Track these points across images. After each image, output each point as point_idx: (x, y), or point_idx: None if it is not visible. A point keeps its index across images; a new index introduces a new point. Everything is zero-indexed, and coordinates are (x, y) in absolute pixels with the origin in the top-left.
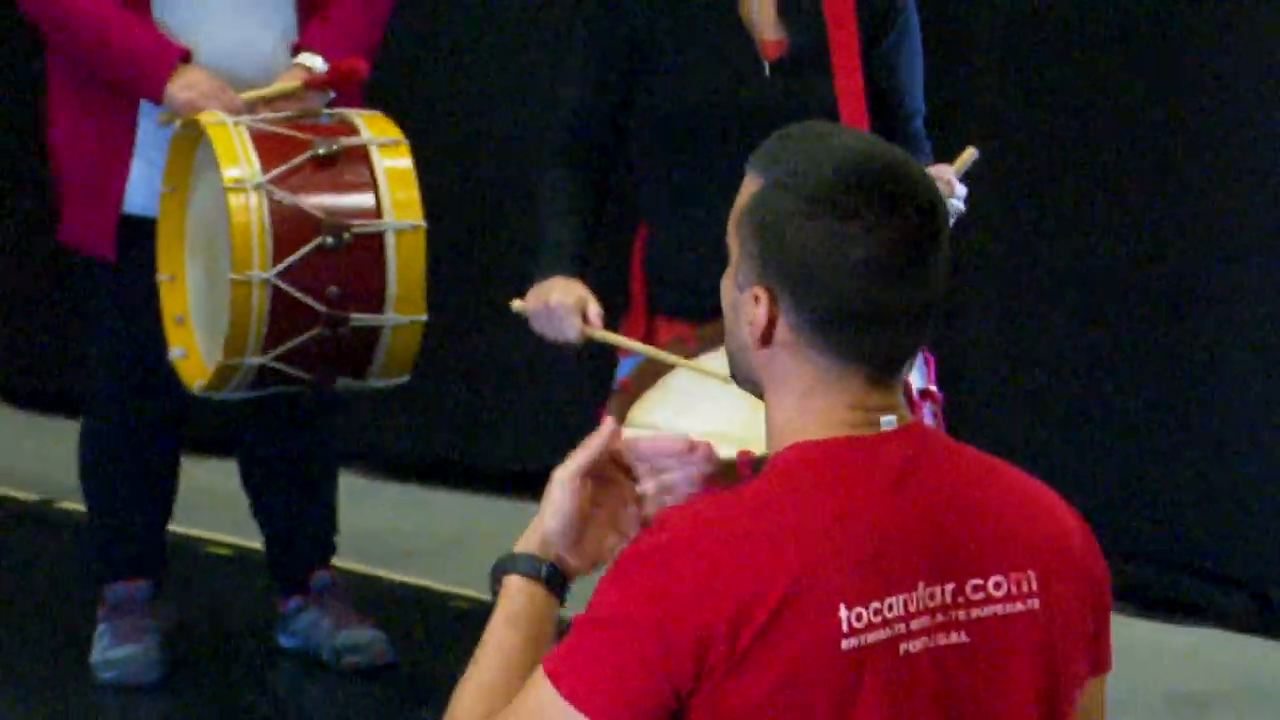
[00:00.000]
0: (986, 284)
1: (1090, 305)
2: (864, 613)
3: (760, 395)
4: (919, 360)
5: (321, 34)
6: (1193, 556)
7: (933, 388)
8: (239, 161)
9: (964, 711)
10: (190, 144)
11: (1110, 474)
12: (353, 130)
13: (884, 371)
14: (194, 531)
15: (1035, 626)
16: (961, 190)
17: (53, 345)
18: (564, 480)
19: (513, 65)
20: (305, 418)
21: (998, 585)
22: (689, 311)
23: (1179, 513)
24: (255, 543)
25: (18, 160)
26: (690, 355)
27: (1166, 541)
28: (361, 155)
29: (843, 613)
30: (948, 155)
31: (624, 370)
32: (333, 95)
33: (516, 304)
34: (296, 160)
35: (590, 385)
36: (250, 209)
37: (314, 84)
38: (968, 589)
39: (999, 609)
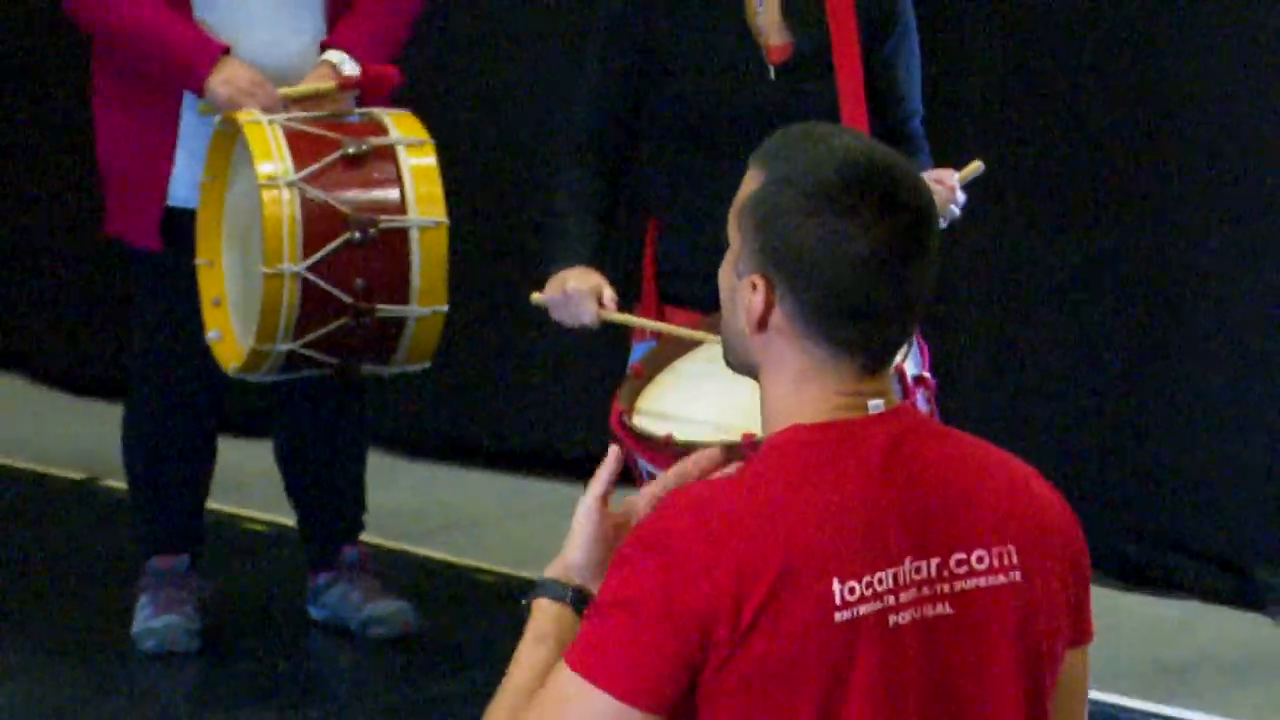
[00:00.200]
0: (978, 277)
1: (1075, 298)
2: (856, 586)
3: (755, 378)
4: (914, 348)
5: (351, 35)
6: (1175, 533)
7: (926, 374)
8: (273, 159)
9: (950, 680)
10: (229, 138)
11: (1097, 456)
12: (382, 130)
13: (874, 359)
14: (230, 509)
15: (1016, 598)
16: (961, 198)
17: (96, 332)
18: (584, 511)
19: (532, 68)
20: (336, 402)
21: (980, 559)
22: (697, 301)
23: (1162, 493)
24: (288, 520)
25: (63, 154)
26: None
27: (1150, 520)
28: (388, 154)
29: (835, 586)
30: (943, 156)
31: (635, 356)
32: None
33: (536, 296)
34: (327, 159)
35: (605, 370)
36: (282, 204)
37: (346, 85)
38: (951, 563)
39: (981, 581)
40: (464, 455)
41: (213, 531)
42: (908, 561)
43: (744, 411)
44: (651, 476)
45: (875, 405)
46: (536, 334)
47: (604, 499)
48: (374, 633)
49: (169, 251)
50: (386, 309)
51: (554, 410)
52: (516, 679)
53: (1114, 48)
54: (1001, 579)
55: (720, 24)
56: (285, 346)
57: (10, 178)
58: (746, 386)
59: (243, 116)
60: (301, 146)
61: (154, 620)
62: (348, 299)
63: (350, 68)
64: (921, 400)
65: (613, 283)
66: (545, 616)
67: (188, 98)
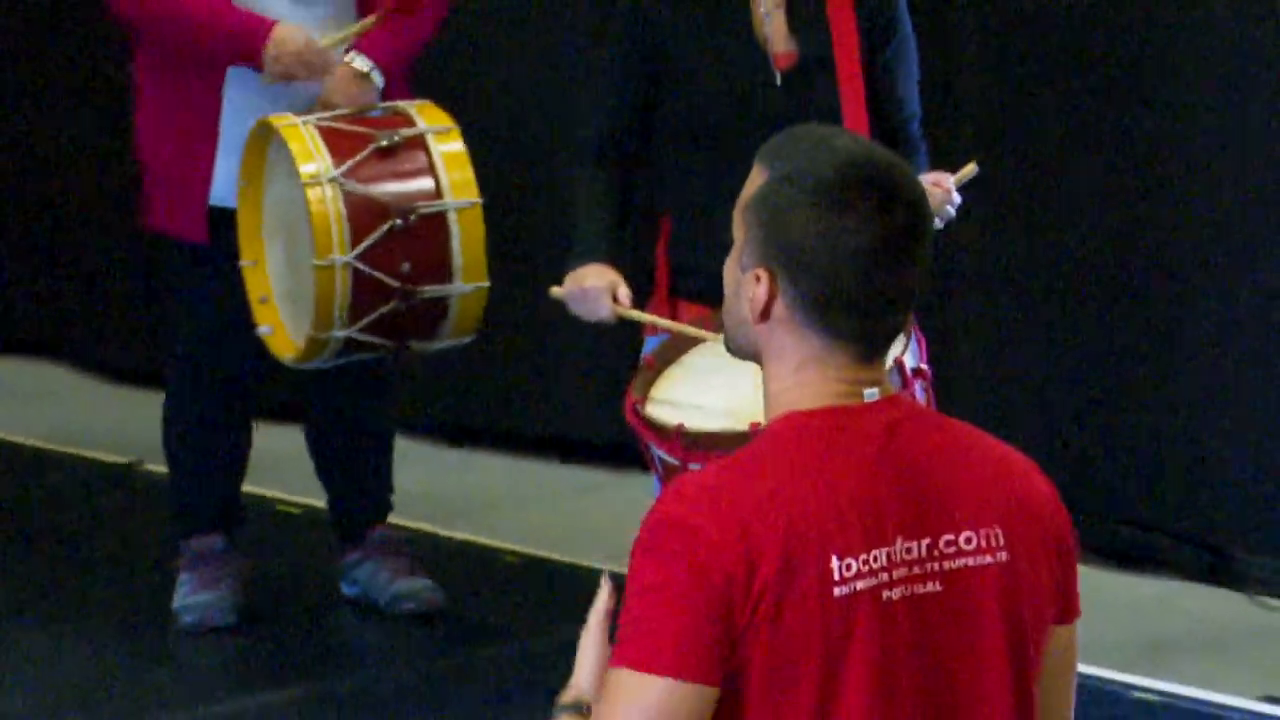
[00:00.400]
0: (972, 274)
1: (1063, 294)
2: (853, 563)
3: (755, 361)
4: (912, 341)
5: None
6: (1159, 517)
7: (924, 366)
8: (313, 158)
9: (940, 655)
10: (263, 142)
11: (1085, 445)
12: (408, 121)
13: (870, 349)
14: (265, 491)
15: (1003, 577)
16: (956, 199)
17: (137, 323)
18: (587, 639)
19: (546, 67)
20: (364, 390)
21: (968, 540)
22: (707, 296)
23: (1147, 479)
24: (320, 502)
25: (103, 154)
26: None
27: (1136, 504)
28: (419, 143)
29: (835, 563)
30: (938, 157)
31: (648, 349)
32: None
33: (555, 290)
34: (362, 153)
35: (619, 361)
36: (326, 200)
37: (392, 19)
38: (941, 543)
39: (969, 561)
40: (486, 441)
41: (249, 513)
42: (899, 541)
43: (750, 401)
44: (663, 463)
45: (871, 393)
46: (555, 326)
47: (604, 626)
48: (401, 608)
49: (210, 245)
50: (432, 289)
51: (571, 399)
52: None
53: (1104, 53)
54: (988, 559)
55: (729, 32)
56: (342, 333)
57: (54, 178)
58: (751, 378)
59: (277, 120)
60: (337, 144)
61: (193, 596)
62: (395, 283)
63: (378, 77)
64: (919, 390)
65: (626, 277)
66: None
67: (228, 97)
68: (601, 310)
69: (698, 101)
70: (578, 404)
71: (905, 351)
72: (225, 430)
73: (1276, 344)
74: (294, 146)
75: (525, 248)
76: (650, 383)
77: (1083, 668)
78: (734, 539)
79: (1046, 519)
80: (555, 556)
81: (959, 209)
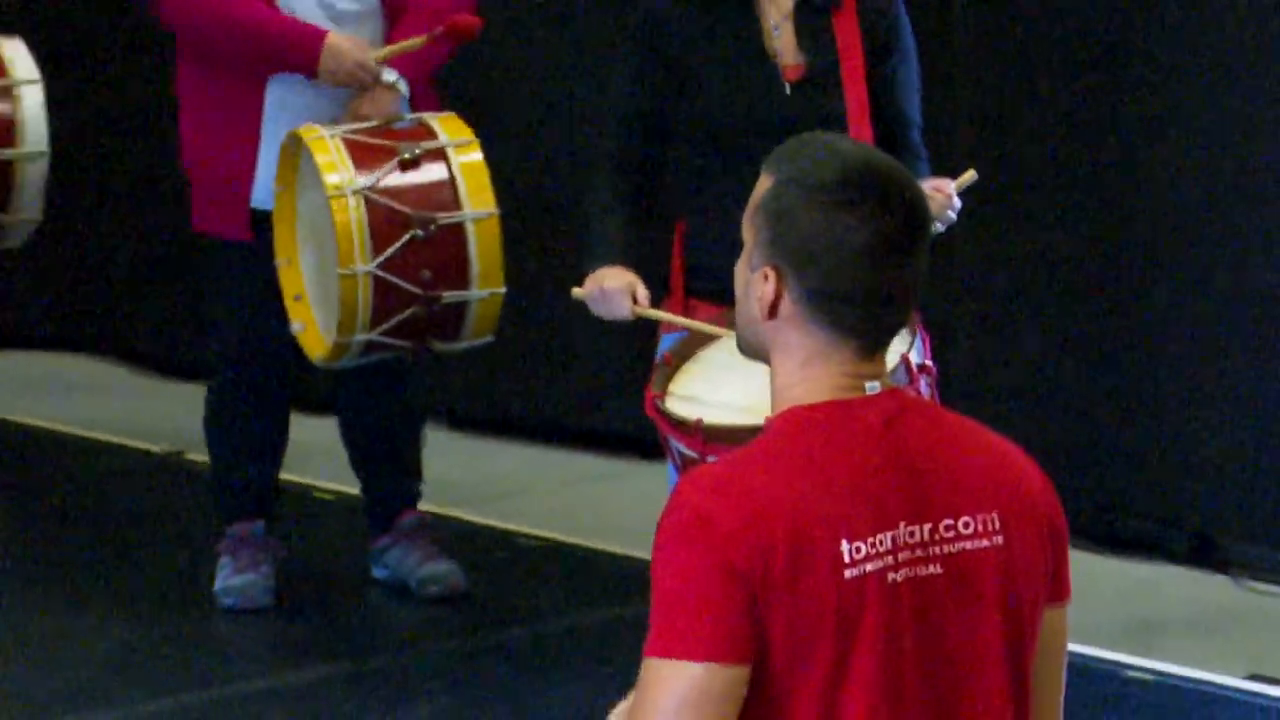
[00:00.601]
0: (969, 273)
1: (1057, 292)
2: (862, 546)
3: (765, 361)
4: (917, 340)
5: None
6: (1147, 504)
7: (929, 362)
8: (338, 170)
9: (940, 634)
10: (295, 152)
11: (1078, 436)
12: (431, 134)
13: (873, 342)
14: (301, 479)
15: (998, 560)
16: (957, 203)
17: (181, 320)
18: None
19: (565, 79)
20: (395, 383)
21: (966, 525)
22: (721, 296)
23: (1135, 467)
24: (352, 489)
25: (149, 161)
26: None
27: (1126, 492)
28: (440, 155)
29: (844, 546)
30: (936, 163)
31: (665, 346)
32: (408, 94)
33: (576, 291)
34: (385, 165)
35: (637, 354)
36: (350, 211)
37: (438, 40)
38: (941, 528)
39: (967, 545)
40: (512, 430)
41: (285, 499)
42: (902, 526)
43: (764, 396)
44: (682, 455)
45: (872, 387)
46: (575, 324)
47: None
48: (429, 591)
49: (252, 244)
50: (450, 295)
51: (589, 392)
52: None
53: (1098, 58)
54: (985, 543)
55: (740, 45)
56: (364, 337)
57: (102, 183)
58: (765, 374)
59: (305, 133)
60: (361, 156)
61: (233, 579)
62: (416, 289)
63: (404, 87)
64: (924, 386)
65: (644, 278)
66: None
67: (268, 103)
68: (621, 310)
69: (711, 111)
70: (595, 396)
71: (911, 349)
72: (263, 421)
73: (1261, 341)
74: (320, 159)
75: (546, 250)
76: (669, 379)
77: (1077, 647)
78: (748, 528)
79: (1039, 505)
80: (574, 541)
81: (959, 214)
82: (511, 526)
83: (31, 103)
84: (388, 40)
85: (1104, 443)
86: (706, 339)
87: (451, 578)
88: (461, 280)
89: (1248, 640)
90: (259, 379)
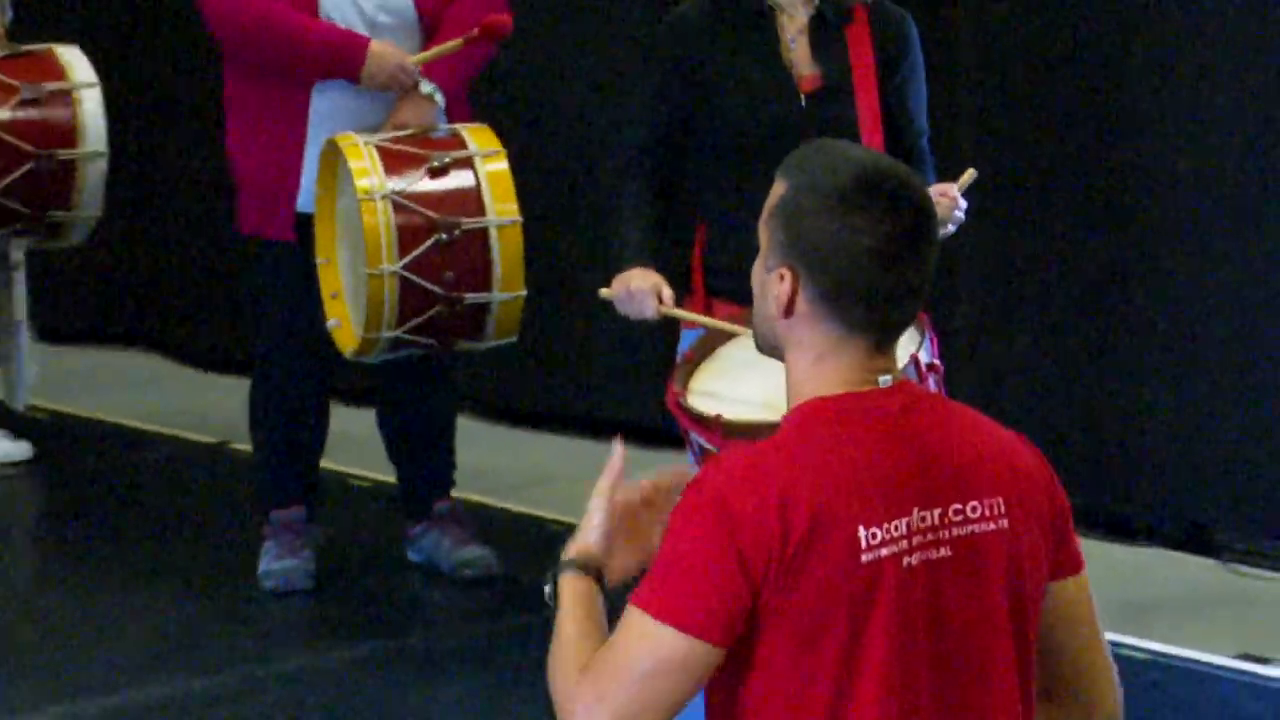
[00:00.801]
0: (970, 272)
1: (1055, 290)
2: (878, 532)
3: (781, 359)
4: (926, 339)
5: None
6: (1142, 492)
7: (937, 361)
8: (369, 175)
9: (951, 613)
10: (332, 159)
11: (1074, 428)
12: (461, 144)
13: (883, 338)
14: (341, 468)
15: (1004, 542)
16: (963, 204)
17: (225, 317)
18: (596, 502)
19: (589, 90)
20: (429, 377)
21: (974, 509)
22: (740, 295)
23: (1130, 459)
24: (389, 478)
25: (196, 166)
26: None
27: (1121, 481)
28: (467, 164)
29: (861, 532)
30: (941, 161)
31: (685, 344)
32: (443, 104)
33: (604, 291)
34: (415, 172)
35: (659, 348)
36: (379, 214)
37: (474, 42)
38: (950, 512)
39: (975, 528)
40: (541, 421)
41: (325, 487)
42: (915, 511)
43: (781, 392)
44: (703, 449)
45: (884, 380)
46: (604, 320)
47: (613, 488)
48: (462, 574)
49: (296, 245)
50: (473, 296)
51: (614, 385)
52: (570, 627)
53: (1094, 63)
54: (991, 526)
55: (758, 59)
56: (390, 334)
57: (153, 187)
58: (781, 371)
59: (342, 141)
60: (393, 163)
61: (275, 563)
62: (439, 290)
63: (440, 98)
64: (933, 383)
65: (667, 278)
66: (578, 584)
67: (313, 110)
68: (647, 310)
69: (730, 120)
70: (619, 390)
71: (920, 348)
72: (305, 413)
73: (1249, 342)
74: (353, 164)
75: (575, 251)
76: (689, 375)
77: None
78: (766, 514)
79: (1040, 489)
80: (562, 558)
81: (967, 214)
82: (540, 513)
83: (90, 106)
84: (424, 40)
85: (1101, 436)
86: (726, 336)
87: (484, 561)
88: (484, 283)
89: (1236, 621)
90: (300, 372)
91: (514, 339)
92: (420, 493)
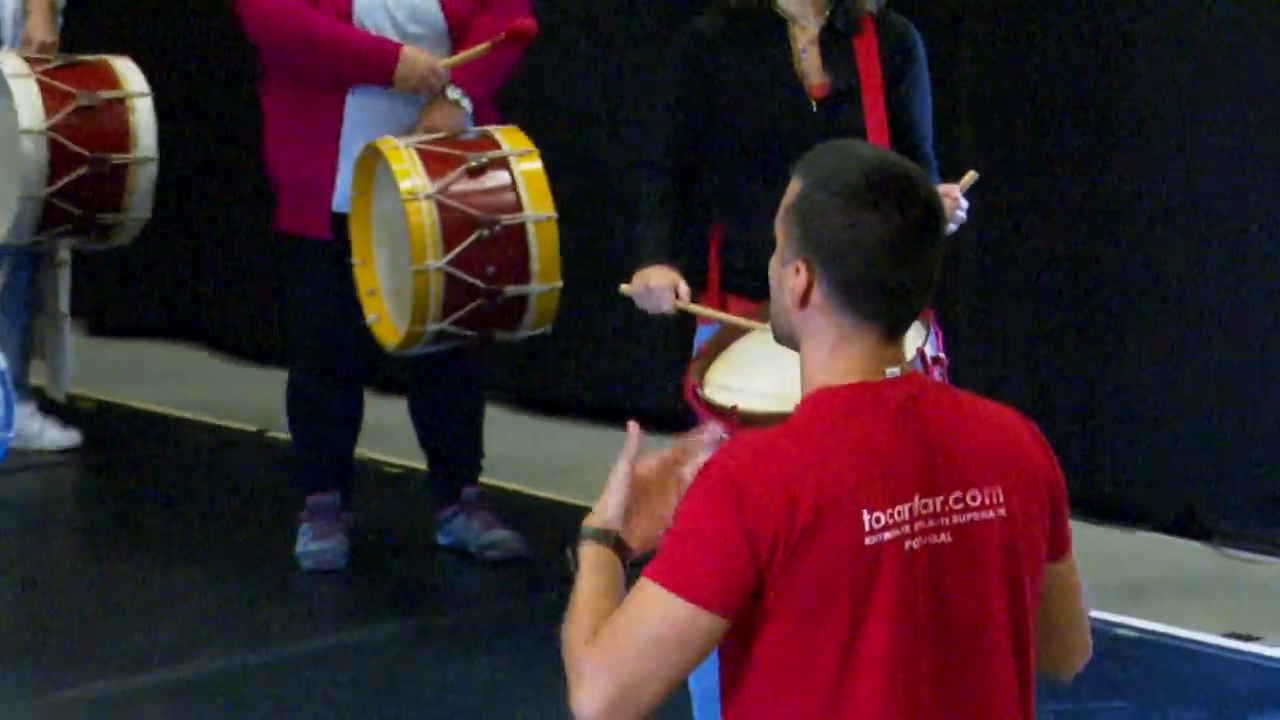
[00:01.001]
0: (971, 267)
1: (1052, 286)
2: (882, 516)
3: (797, 349)
4: (931, 334)
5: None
6: (1136, 479)
7: (941, 354)
8: (412, 176)
9: (950, 596)
10: (371, 161)
11: (1072, 419)
12: (495, 144)
13: (892, 329)
14: (374, 455)
15: (1002, 529)
16: (965, 204)
17: (264, 311)
18: (617, 477)
19: (613, 94)
20: (459, 368)
21: (974, 497)
22: (753, 291)
23: (1124, 443)
24: (420, 464)
25: (234, 166)
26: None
27: (1117, 468)
28: (503, 164)
29: (865, 516)
30: (943, 169)
31: (701, 338)
32: (470, 109)
33: (625, 287)
34: (454, 172)
35: (673, 344)
36: (423, 213)
37: (501, 46)
38: (951, 500)
39: (975, 516)
40: (566, 410)
41: (359, 473)
42: (917, 498)
43: (794, 384)
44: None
45: (892, 371)
46: (626, 314)
47: (629, 469)
48: (490, 556)
49: (332, 243)
50: (512, 289)
51: (633, 376)
52: (585, 593)
53: (1090, 70)
54: (990, 514)
55: (771, 67)
56: (435, 327)
57: (196, 187)
58: (792, 363)
59: (382, 144)
60: (433, 164)
61: (312, 544)
62: (481, 284)
63: (467, 104)
64: (938, 375)
65: (685, 275)
66: (599, 553)
67: (347, 115)
68: (665, 305)
69: (745, 125)
70: (640, 380)
71: (926, 342)
72: (340, 402)
73: (1236, 330)
74: (396, 166)
75: (598, 248)
76: (706, 368)
77: None
78: (775, 496)
79: (1039, 477)
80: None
81: (968, 214)
82: (563, 498)
83: (143, 113)
84: (453, 45)
85: (1097, 425)
86: (740, 331)
87: (510, 544)
88: (523, 276)
89: (1226, 602)
90: (335, 364)
91: (548, 329)
92: (449, 479)
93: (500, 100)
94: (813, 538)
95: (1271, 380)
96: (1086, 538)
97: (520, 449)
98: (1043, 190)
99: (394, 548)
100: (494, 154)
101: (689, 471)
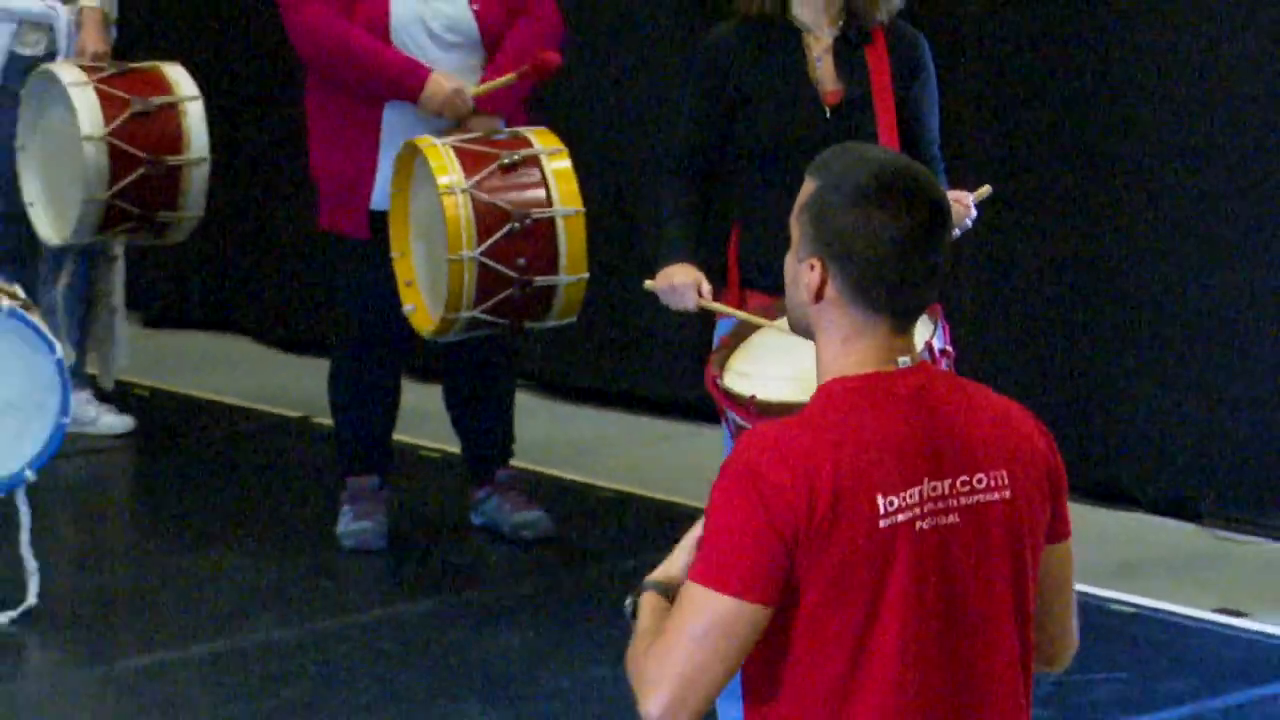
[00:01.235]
0: (975, 265)
1: (1050, 281)
2: (895, 499)
3: (813, 339)
4: (939, 327)
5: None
6: (1132, 464)
7: (949, 347)
8: (449, 172)
9: (957, 574)
10: (409, 159)
11: (1072, 408)
12: (527, 143)
13: (902, 321)
14: (411, 439)
15: (1006, 511)
16: (974, 212)
17: (307, 304)
18: (678, 549)
19: (639, 99)
20: (491, 356)
21: (980, 480)
22: (770, 287)
23: (1120, 429)
24: (454, 448)
25: (281, 167)
26: (772, 318)
27: (1115, 453)
28: (535, 161)
29: (880, 500)
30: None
31: (721, 330)
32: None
33: (648, 284)
34: (489, 169)
35: (693, 335)
36: (459, 205)
37: (525, 77)
38: (959, 483)
39: (981, 498)
40: (593, 397)
41: (397, 457)
42: (927, 481)
43: (809, 374)
44: (737, 425)
45: (903, 361)
46: (649, 306)
47: (695, 546)
48: (520, 535)
49: (371, 240)
50: (542, 279)
51: (656, 365)
52: (644, 625)
53: (1087, 74)
54: (996, 496)
55: (788, 75)
56: (468, 314)
57: (242, 186)
58: (809, 355)
59: (420, 142)
60: (468, 160)
61: (352, 524)
62: (512, 274)
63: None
64: (945, 367)
65: (705, 273)
66: (654, 601)
67: (385, 120)
68: (688, 302)
69: (762, 131)
70: (664, 369)
71: (934, 335)
72: (379, 389)
73: (1229, 329)
74: (433, 162)
75: (622, 243)
76: (726, 359)
77: None
78: (796, 483)
79: (1041, 462)
80: (643, 493)
81: (975, 221)
82: (590, 480)
83: (194, 117)
84: (485, 65)
85: (1094, 415)
86: (757, 325)
87: (540, 524)
88: (552, 267)
89: (1216, 580)
90: (374, 353)
91: (574, 319)
92: (483, 461)
93: (531, 102)
94: (833, 522)
95: (1261, 371)
96: (1086, 519)
97: (550, 433)
98: (1040, 190)
99: (430, 527)
100: (526, 152)
101: None
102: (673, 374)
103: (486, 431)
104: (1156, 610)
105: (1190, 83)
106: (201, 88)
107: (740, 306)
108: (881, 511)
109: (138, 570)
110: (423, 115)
